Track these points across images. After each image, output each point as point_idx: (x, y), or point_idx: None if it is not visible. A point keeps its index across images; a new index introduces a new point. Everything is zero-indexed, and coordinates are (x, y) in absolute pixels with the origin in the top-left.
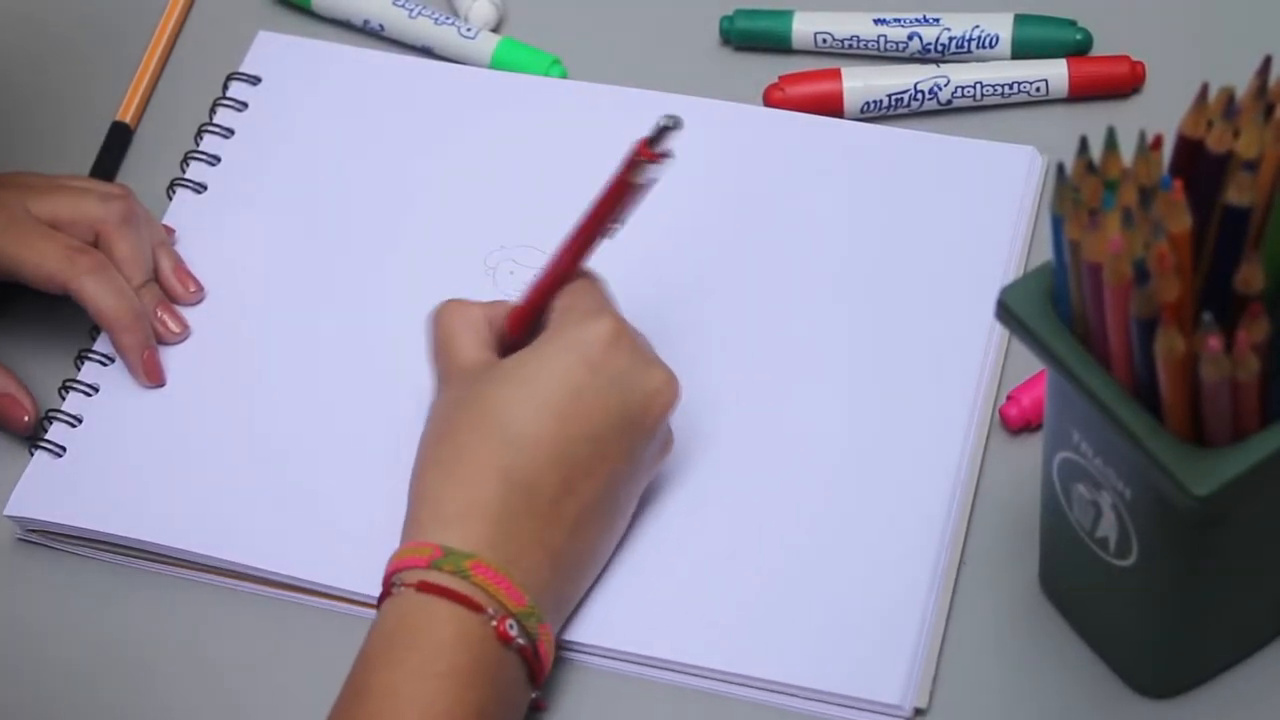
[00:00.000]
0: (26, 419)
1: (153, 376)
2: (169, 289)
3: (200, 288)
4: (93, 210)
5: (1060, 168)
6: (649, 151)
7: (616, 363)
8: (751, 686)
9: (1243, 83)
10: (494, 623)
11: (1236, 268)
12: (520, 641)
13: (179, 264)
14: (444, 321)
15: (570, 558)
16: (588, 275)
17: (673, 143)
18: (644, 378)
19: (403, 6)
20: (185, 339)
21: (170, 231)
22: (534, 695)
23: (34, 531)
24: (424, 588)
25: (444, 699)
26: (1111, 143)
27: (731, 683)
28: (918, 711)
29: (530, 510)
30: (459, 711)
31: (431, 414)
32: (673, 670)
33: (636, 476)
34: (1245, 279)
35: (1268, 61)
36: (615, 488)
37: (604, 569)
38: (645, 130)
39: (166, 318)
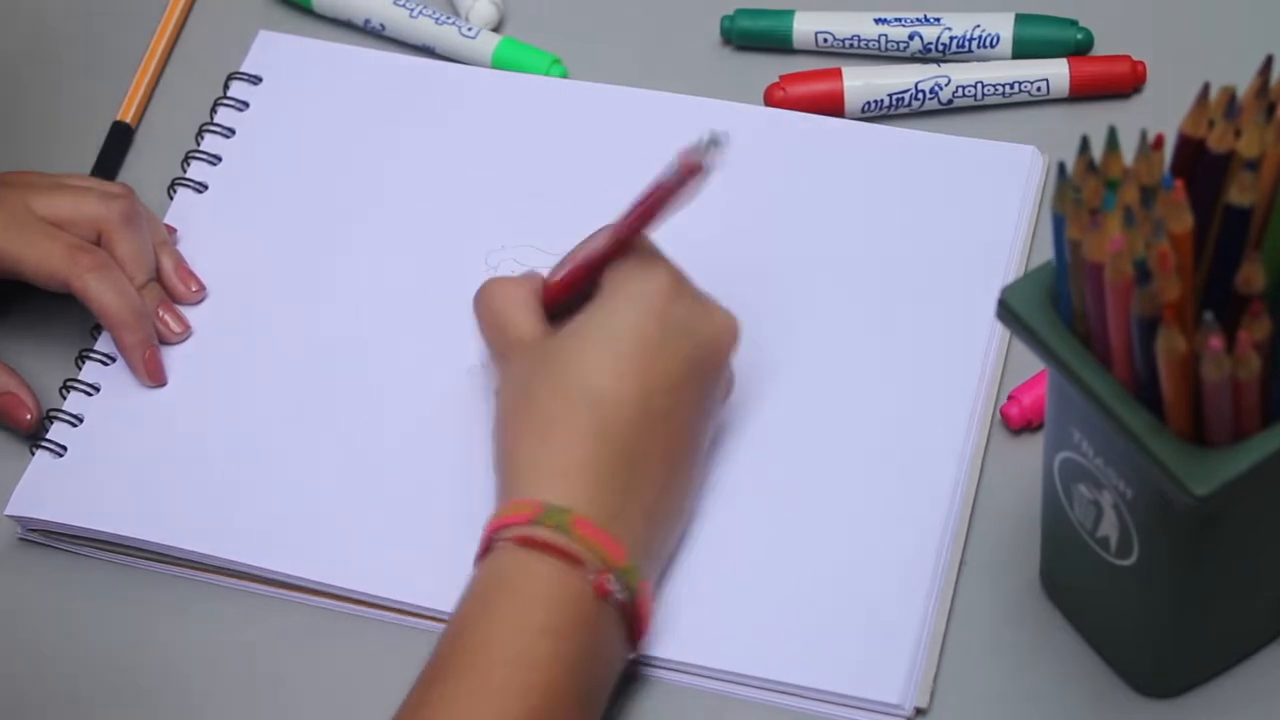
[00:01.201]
0: (29, 417)
1: (154, 376)
2: (171, 288)
3: (202, 287)
4: (94, 209)
5: (1061, 167)
6: (691, 164)
7: (680, 310)
8: (752, 686)
9: (1244, 82)
10: (592, 577)
11: (1237, 267)
12: (619, 597)
13: (181, 263)
14: (494, 301)
15: (661, 509)
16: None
17: (714, 158)
18: (708, 321)
19: (404, 6)
20: (187, 338)
21: (172, 230)
22: (631, 656)
23: (35, 531)
24: (525, 542)
25: (539, 652)
26: (1113, 142)
27: (732, 682)
28: (918, 711)
29: (622, 465)
30: (555, 666)
31: (504, 389)
32: (673, 670)
33: (709, 419)
34: (1246, 278)
35: (1269, 61)
36: (694, 434)
37: None
38: (668, 135)
39: (168, 317)
